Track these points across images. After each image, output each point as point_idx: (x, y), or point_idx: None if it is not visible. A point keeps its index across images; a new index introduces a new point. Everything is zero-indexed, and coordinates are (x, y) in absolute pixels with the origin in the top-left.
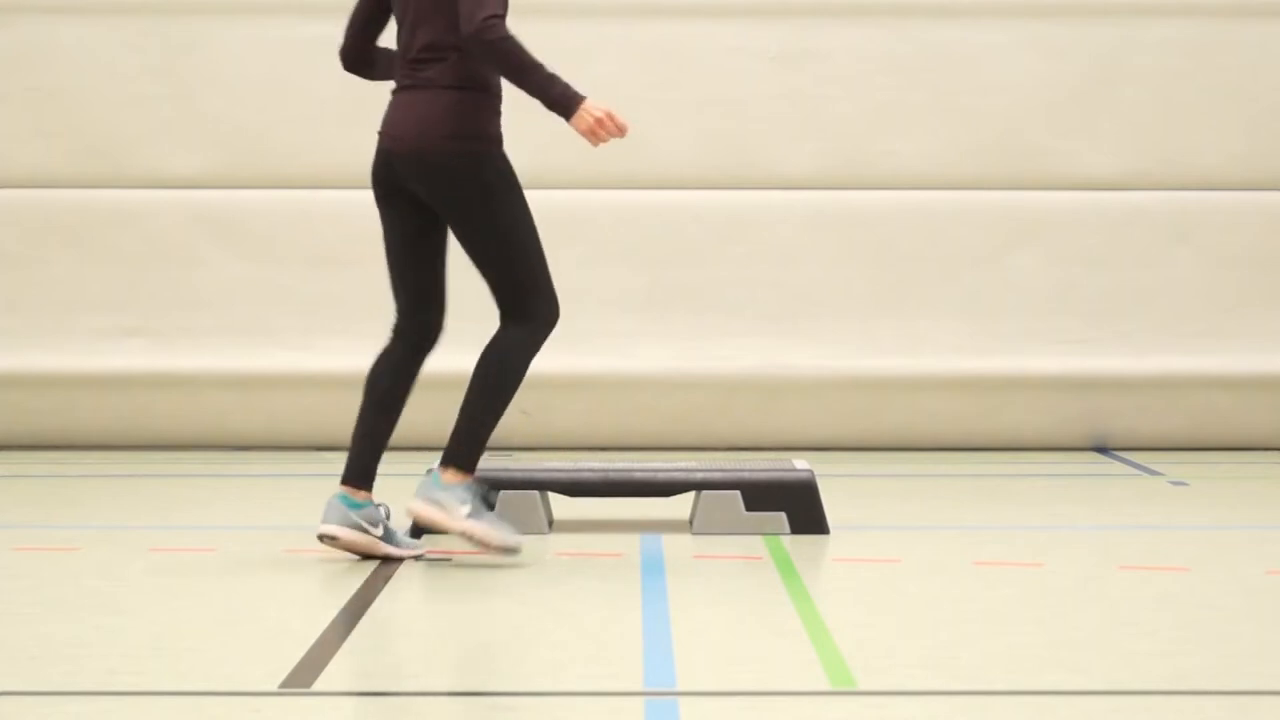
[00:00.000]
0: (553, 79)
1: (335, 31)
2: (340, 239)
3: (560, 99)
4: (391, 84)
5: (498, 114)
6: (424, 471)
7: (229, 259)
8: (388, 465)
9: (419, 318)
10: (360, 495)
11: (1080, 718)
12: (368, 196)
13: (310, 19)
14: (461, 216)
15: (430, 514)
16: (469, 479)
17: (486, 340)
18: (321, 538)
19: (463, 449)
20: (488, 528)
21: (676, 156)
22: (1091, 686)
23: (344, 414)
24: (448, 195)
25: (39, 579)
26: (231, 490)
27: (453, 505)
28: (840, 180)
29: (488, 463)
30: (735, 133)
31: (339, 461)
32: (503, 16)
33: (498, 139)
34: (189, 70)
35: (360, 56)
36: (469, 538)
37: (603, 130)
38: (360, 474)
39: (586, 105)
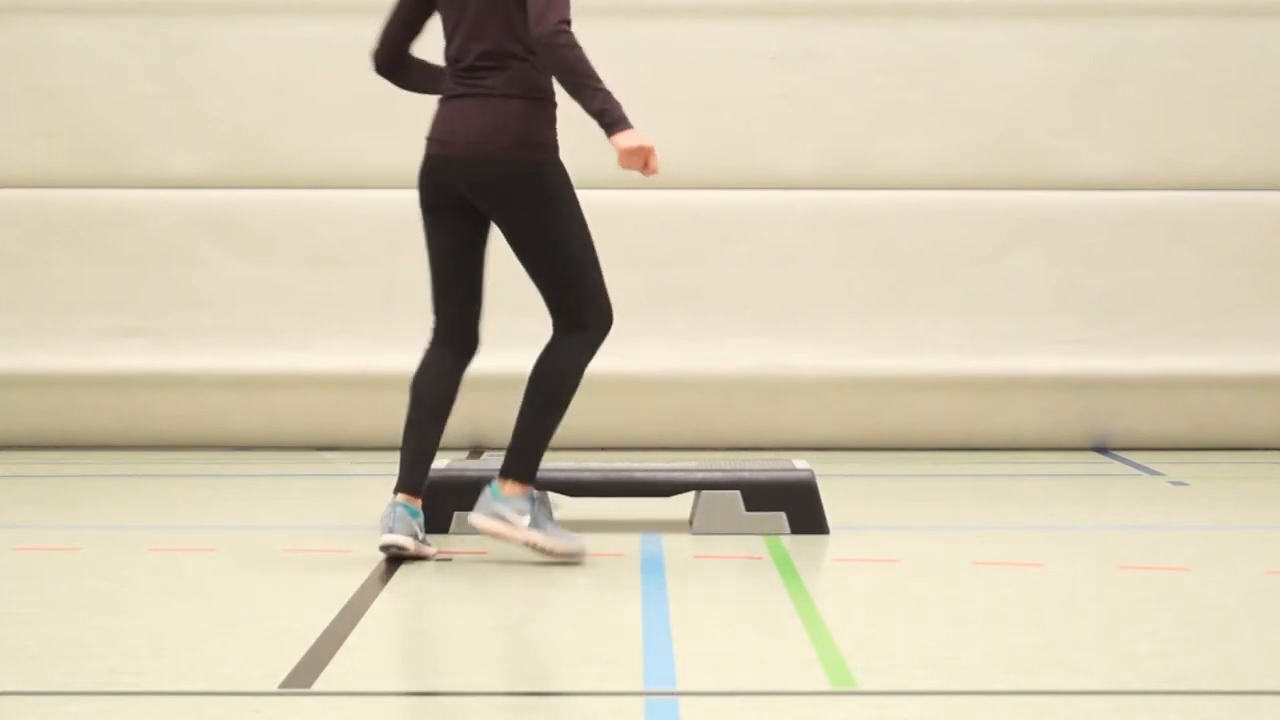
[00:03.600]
0: (611, 95)
1: (335, 31)
2: (340, 239)
3: (616, 116)
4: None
5: (555, 122)
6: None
7: (229, 259)
8: (383, 465)
9: (464, 325)
10: (418, 503)
11: (1080, 718)
12: (368, 196)
13: (310, 19)
14: (519, 224)
15: (493, 527)
16: (528, 489)
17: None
18: (387, 547)
19: (521, 460)
20: (549, 537)
21: (676, 156)
22: (1091, 686)
23: (344, 414)
24: (507, 203)
25: (39, 579)
26: (231, 490)
27: (514, 517)
28: (840, 180)
29: (491, 463)
30: (735, 133)
31: (339, 461)
32: (570, 24)
33: (557, 147)
34: (189, 70)
35: (395, 61)
36: (534, 548)
37: (638, 160)
38: (419, 483)
39: (637, 130)
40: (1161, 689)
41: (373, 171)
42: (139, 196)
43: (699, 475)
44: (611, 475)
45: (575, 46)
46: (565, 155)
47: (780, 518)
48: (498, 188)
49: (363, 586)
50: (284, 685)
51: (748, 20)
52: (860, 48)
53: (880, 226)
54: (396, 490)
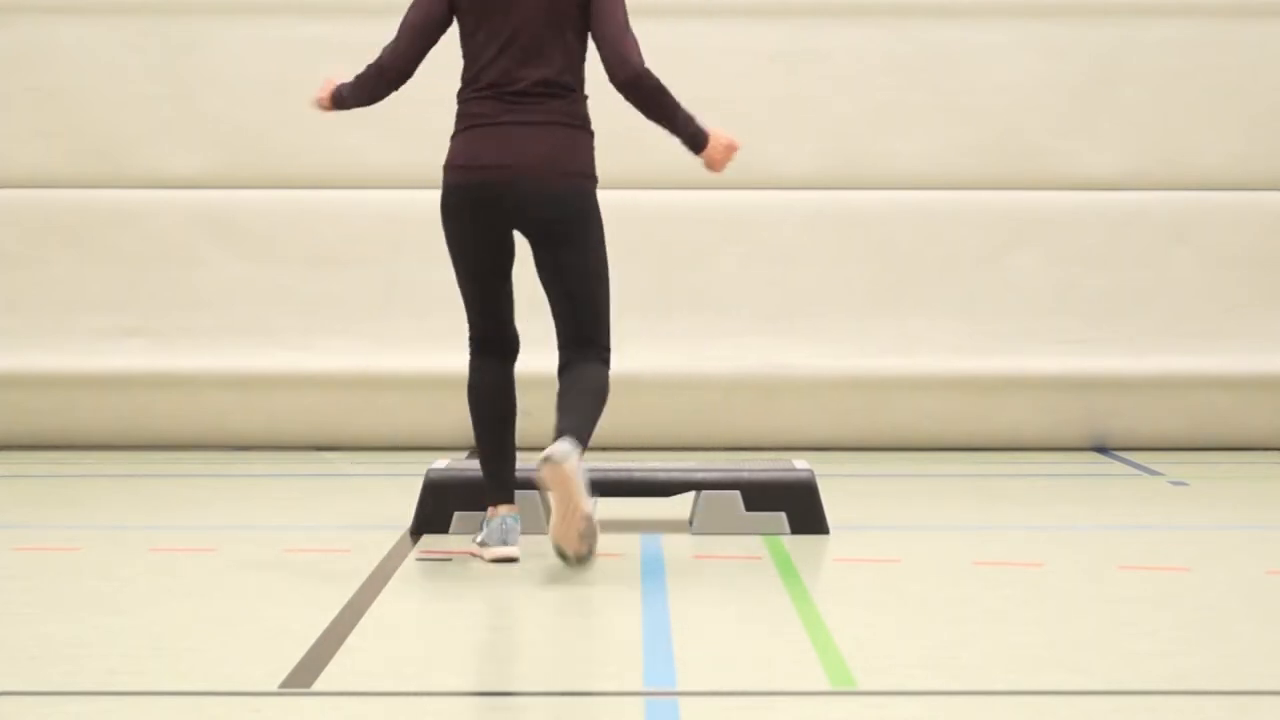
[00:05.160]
0: (691, 117)
1: (335, 31)
2: (340, 239)
3: (697, 134)
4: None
5: None
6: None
7: (229, 259)
8: (383, 465)
9: (510, 331)
10: (516, 510)
11: (1080, 718)
12: (368, 196)
13: (310, 19)
14: (573, 245)
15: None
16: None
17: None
18: (504, 559)
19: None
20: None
21: (677, 157)
22: (1091, 686)
23: (344, 414)
24: (566, 225)
25: (39, 579)
26: (231, 490)
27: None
28: (840, 180)
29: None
30: (735, 133)
31: (339, 461)
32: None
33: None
34: (189, 70)
35: (408, 73)
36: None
37: (728, 158)
38: (512, 489)
39: (718, 133)
40: (1161, 689)
41: (373, 171)
42: (139, 196)
43: (699, 475)
44: (611, 475)
45: (661, 85)
46: None
47: (780, 518)
48: (563, 213)
49: (363, 586)
50: (284, 685)
51: (748, 20)
52: (860, 48)
53: (880, 226)
54: (498, 503)
